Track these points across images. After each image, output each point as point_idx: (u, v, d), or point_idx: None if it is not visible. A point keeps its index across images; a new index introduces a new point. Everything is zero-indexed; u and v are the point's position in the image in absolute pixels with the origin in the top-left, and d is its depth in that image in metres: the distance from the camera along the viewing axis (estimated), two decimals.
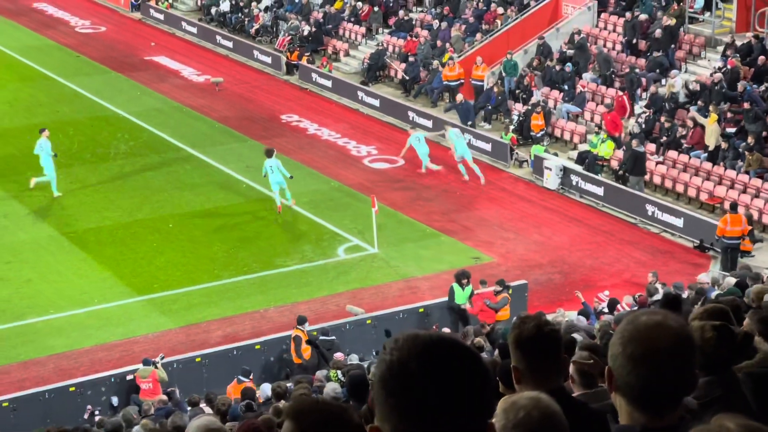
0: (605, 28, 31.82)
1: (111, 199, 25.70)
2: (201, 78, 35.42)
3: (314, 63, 35.47)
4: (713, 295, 13.86)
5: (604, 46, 30.92)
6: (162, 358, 17.51)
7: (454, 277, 19.80)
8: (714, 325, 3.99)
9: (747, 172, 24.27)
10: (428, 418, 2.24)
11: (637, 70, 28.83)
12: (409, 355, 2.26)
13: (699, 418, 2.64)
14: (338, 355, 17.05)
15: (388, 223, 24.09)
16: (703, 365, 3.70)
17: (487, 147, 28.50)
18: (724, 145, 25.15)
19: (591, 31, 31.64)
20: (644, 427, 2.80)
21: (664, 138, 26.35)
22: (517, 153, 28.14)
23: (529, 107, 29.12)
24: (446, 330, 18.43)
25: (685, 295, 16.77)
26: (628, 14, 30.86)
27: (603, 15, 32.10)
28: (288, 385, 14.32)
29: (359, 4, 37.24)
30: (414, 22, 35.47)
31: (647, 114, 27.33)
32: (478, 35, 32.84)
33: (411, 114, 30.77)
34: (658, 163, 25.86)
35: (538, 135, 28.43)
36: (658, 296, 16.97)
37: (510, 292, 19.54)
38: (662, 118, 26.72)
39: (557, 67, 30.37)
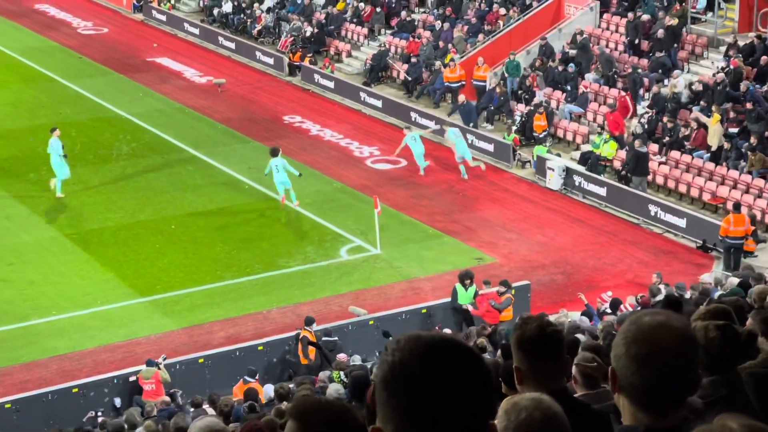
0: (607, 29, 31.81)
1: (113, 201, 25.71)
2: (203, 79, 35.45)
3: (316, 64, 35.48)
4: (716, 295, 13.85)
5: (607, 46, 30.91)
6: (164, 359, 17.52)
7: (458, 278, 19.80)
8: (717, 324, 3.98)
9: (750, 173, 24.24)
10: (430, 419, 2.24)
11: (639, 71, 28.82)
12: (410, 356, 2.26)
13: (703, 418, 2.63)
14: (341, 356, 17.05)
15: (391, 223, 24.09)
16: (707, 365, 3.70)
17: (490, 148, 28.49)
18: (726, 146, 25.14)
19: (593, 32, 31.63)
20: (648, 427, 2.80)
21: (667, 138, 26.33)
22: (519, 154, 28.13)
23: (532, 108, 29.11)
24: (448, 331, 18.41)
25: (687, 295, 16.76)
26: (630, 14, 30.84)
27: (605, 15, 32.09)
28: (290, 386, 14.32)
29: (361, 5, 37.25)
30: (416, 23, 35.47)
31: (650, 114, 27.32)
32: (481, 36, 32.84)
33: (413, 115, 30.78)
34: (660, 163, 25.84)
35: (541, 135, 28.42)
36: (661, 297, 16.95)
37: (513, 292, 19.54)
38: (665, 119, 26.71)
39: (560, 68, 30.37)
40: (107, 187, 26.46)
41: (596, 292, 20.13)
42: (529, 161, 27.76)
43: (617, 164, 26.50)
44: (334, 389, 12.60)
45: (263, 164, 26.14)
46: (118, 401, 17.29)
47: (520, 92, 30.55)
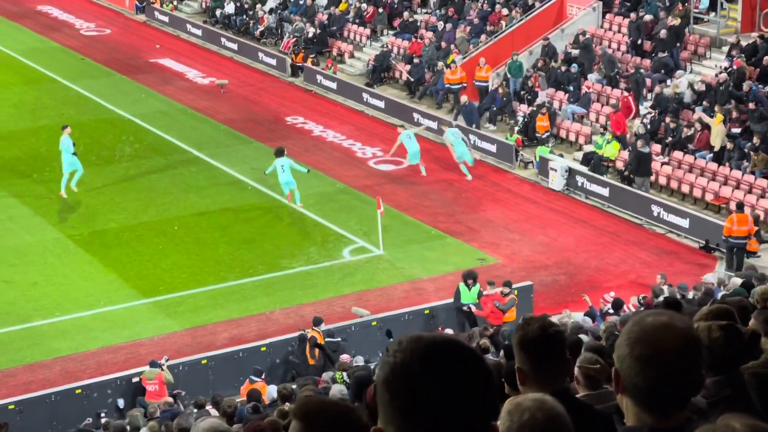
0: (610, 29, 31.79)
1: (116, 202, 25.73)
2: (206, 80, 35.46)
3: (319, 65, 35.49)
4: (719, 295, 13.84)
5: (609, 46, 30.90)
6: (167, 360, 17.53)
7: (462, 277, 19.82)
8: (721, 324, 3.98)
9: (752, 173, 24.23)
10: (432, 420, 2.24)
11: (642, 71, 28.80)
12: (412, 357, 2.26)
13: (706, 418, 2.63)
14: (344, 357, 17.05)
15: (394, 224, 24.09)
16: (710, 365, 3.69)
17: (492, 148, 28.49)
18: (729, 146, 25.12)
19: (596, 32, 31.62)
20: (651, 427, 2.80)
21: (670, 138, 26.32)
22: (522, 154, 28.13)
23: (534, 108, 29.10)
24: (450, 331, 18.43)
25: (690, 295, 16.76)
26: (632, 15, 30.83)
27: (608, 16, 32.07)
28: (293, 387, 14.32)
29: (364, 5, 37.26)
30: (419, 24, 35.47)
31: (652, 115, 27.31)
32: (483, 36, 32.83)
33: (416, 116, 30.79)
34: (663, 163, 25.83)
35: (543, 136, 28.41)
36: (664, 296, 16.94)
37: (516, 293, 19.54)
38: (667, 119, 26.69)
39: (562, 68, 30.36)
40: (110, 189, 26.47)
41: (599, 292, 20.12)
42: (532, 162, 27.75)
43: (620, 165, 26.49)
44: (337, 390, 12.59)
45: (266, 165, 26.15)
46: (121, 402, 17.31)
47: (522, 93, 30.54)
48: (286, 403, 12.77)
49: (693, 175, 25.17)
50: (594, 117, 28.89)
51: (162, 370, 17.22)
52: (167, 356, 17.85)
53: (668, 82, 28.16)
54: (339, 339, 18.45)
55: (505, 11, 33.37)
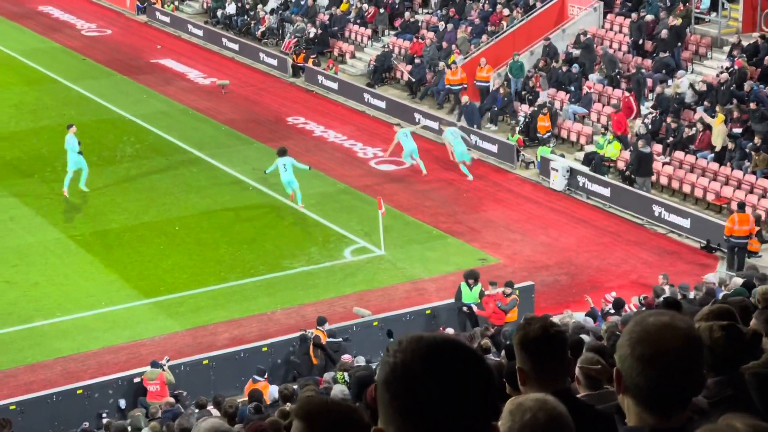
0: (611, 29, 31.79)
1: (117, 202, 25.74)
2: (207, 81, 35.47)
3: (320, 65, 35.50)
4: (720, 295, 13.84)
5: (610, 47, 30.90)
6: (167, 361, 17.54)
7: (463, 277, 19.83)
8: (722, 325, 3.98)
9: (754, 173, 24.22)
10: (432, 420, 2.24)
11: (643, 71, 28.79)
12: (412, 357, 2.26)
13: (708, 418, 2.63)
14: (346, 357, 17.06)
15: (395, 224, 24.10)
16: (711, 365, 3.69)
17: (494, 148, 28.50)
18: (730, 146, 25.11)
19: (597, 32, 31.62)
20: (653, 427, 2.80)
21: (671, 139, 26.31)
22: (523, 154, 28.13)
23: (536, 108, 29.10)
24: (451, 331, 18.44)
25: (691, 295, 16.75)
26: (634, 15, 30.82)
27: (609, 16, 32.07)
28: (295, 387, 14.32)
29: (365, 6, 37.27)
30: (420, 24, 35.47)
31: (654, 115, 27.30)
32: (484, 37, 32.83)
33: (417, 116, 30.79)
34: (664, 163, 25.82)
35: (545, 136, 28.41)
36: (665, 296, 16.93)
37: (517, 293, 19.54)
38: (668, 119, 26.69)
39: (563, 69, 30.36)
40: (111, 189, 26.48)
41: (600, 292, 20.12)
42: (533, 162, 27.75)
43: (621, 165, 26.48)
44: (339, 390, 12.58)
45: (267, 165, 26.17)
46: (122, 402, 17.32)
47: (523, 93, 30.54)
48: (288, 404, 12.77)
49: (694, 175, 25.16)
50: (595, 117, 28.88)
51: (163, 370, 17.23)
52: (168, 357, 17.86)
53: (669, 82, 28.14)
54: (341, 339, 18.45)
55: (506, 11, 33.37)
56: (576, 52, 30.84)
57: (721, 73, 27.10)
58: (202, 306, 20.96)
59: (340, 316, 20.02)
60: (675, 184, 25.40)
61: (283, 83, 35.41)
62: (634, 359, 2.75)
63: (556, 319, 15.09)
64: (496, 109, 30.43)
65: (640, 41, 30.11)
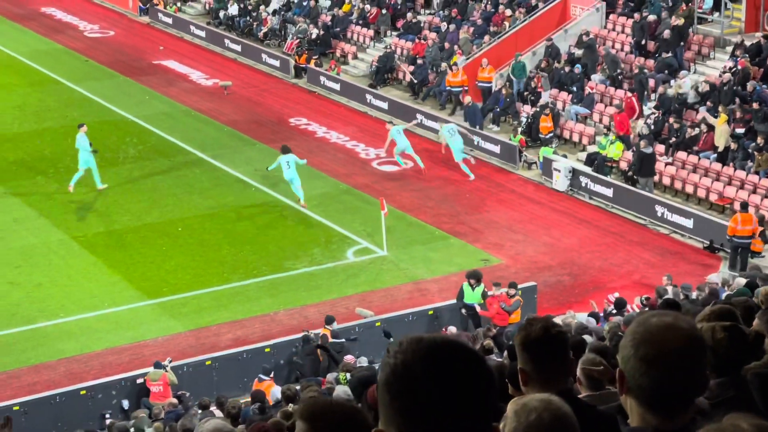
0: (613, 29, 31.77)
1: (120, 203, 25.76)
2: (209, 82, 35.49)
3: (322, 66, 35.51)
4: (723, 295, 13.83)
5: (613, 47, 30.88)
6: (170, 362, 17.55)
7: (466, 277, 19.83)
8: (725, 325, 3.98)
9: (757, 173, 24.20)
10: (432, 421, 2.24)
11: (645, 71, 28.78)
12: (413, 358, 2.26)
13: (710, 419, 2.64)
14: (348, 358, 17.07)
15: (397, 225, 24.10)
16: (714, 366, 3.69)
17: (496, 149, 28.49)
18: (733, 146, 25.09)
19: (599, 33, 31.60)
20: (656, 428, 2.80)
21: (674, 139, 26.29)
22: (525, 155, 28.13)
23: (538, 109, 29.10)
24: (452, 329, 18.46)
25: (693, 296, 16.74)
26: (636, 15, 30.80)
27: (611, 16, 32.06)
28: (297, 387, 14.33)
29: (367, 6, 37.27)
30: (422, 25, 35.47)
31: (656, 115, 27.28)
32: (486, 37, 32.83)
33: (420, 117, 30.80)
34: (667, 164, 25.81)
35: (547, 137, 28.40)
36: (668, 297, 16.93)
37: (520, 293, 19.54)
38: (671, 119, 26.67)
39: (566, 69, 30.34)
40: (114, 190, 26.50)
41: (603, 293, 20.11)
42: (536, 162, 27.75)
43: (623, 165, 26.47)
44: (342, 391, 12.58)
45: (269, 165, 26.18)
46: (126, 403, 17.33)
47: (526, 93, 30.53)
48: (290, 404, 12.78)
49: (697, 175, 25.15)
50: (597, 117, 28.87)
51: (166, 371, 17.23)
52: (170, 357, 17.88)
53: (672, 82, 28.13)
54: (343, 340, 18.46)
55: (508, 12, 33.36)
56: (578, 52, 30.83)
57: (724, 73, 27.08)
58: (204, 307, 20.98)
59: (342, 316, 20.01)
60: (678, 185, 25.39)
61: (285, 84, 35.43)
62: (637, 360, 2.75)
63: (558, 319, 15.09)
64: (498, 109, 30.42)
65: (643, 41, 30.09)
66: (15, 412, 16.41)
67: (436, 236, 23.98)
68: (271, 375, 17.16)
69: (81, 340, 19.75)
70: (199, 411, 15.10)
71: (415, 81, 32.89)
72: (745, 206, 22.32)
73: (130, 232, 24.20)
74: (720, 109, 25.74)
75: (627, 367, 2.79)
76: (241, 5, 40.53)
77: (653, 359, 2.73)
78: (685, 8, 30.03)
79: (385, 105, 32.19)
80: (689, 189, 25.10)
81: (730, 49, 28.58)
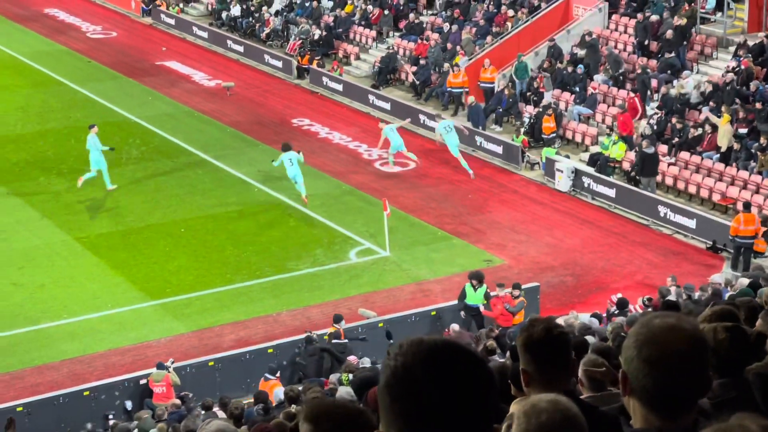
0: (616, 30, 31.75)
1: (123, 204, 25.78)
2: (212, 82, 35.51)
3: (325, 67, 35.52)
4: (726, 296, 13.82)
5: (615, 47, 30.87)
6: (172, 363, 17.56)
7: (468, 278, 19.83)
8: (726, 326, 3.98)
9: (760, 173, 24.18)
10: (433, 423, 2.24)
11: (648, 71, 28.76)
12: (413, 360, 2.27)
13: (711, 419, 2.64)
14: (351, 359, 17.08)
15: (400, 226, 24.10)
16: (716, 367, 3.69)
17: (499, 150, 28.49)
18: (736, 146, 25.07)
19: (602, 33, 31.59)
20: (659, 429, 2.80)
21: (676, 139, 26.28)
22: (528, 155, 28.12)
23: (540, 109, 29.09)
24: (455, 326, 18.47)
25: (696, 296, 16.73)
26: (639, 15, 30.78)
27: (614, 16, 32.04)
28: (300, 388, 14.33)
29: (369, 7, 37.27)
30: (424, 26, 35.47)
31: (659, 115, 27.27)
32: (489, 38, 32.82)
33: (422, 117, 30.81)
34: (670, 164, 25.79)
35: (550, 137, 28.40)
36: (671, 297, 16.93)
37: (523, 294, 19.54)
38: (674, 119, 26.65)
39: (568, 69, 30.33)
40: (117, 191, 26.50)
41: (606, 293, 20.10)
42: (538, 163, 27.74)
43: (626, 165, 26.46)
44: (345, 391, 12.59)
45: (272, 167, 26.20)
46: (129, 404, 17.35)
47: (528, 94, 30.52)
48: (293, 405, 12.79)
49: (700, 175, 25.13)
50: (600, 118, 28.85)
51: (169, 372, 17.24)
52: (173, 359, 17.88)
53: (674, 82, 28.11)
54: (346, 341, 18.47)
55: (510, 12, 33.36)
56: (581, 52, 30.81)
57: (727, 72, 27.06)
58: (207, 308, 20.99)
59: (345, 317, 20.01)
60: (680, 185, 25.37)
61: (288, 85, 35.44)
62: (640, 361, 2.75)
63: (561, 320, 15.08)
64: (500, 110, 30.42)
65: (645, 42, 30.07)
66: (18, 413, 16.44)
67: (439, 237, 23.98)
68: (278, 374, 17.18)
69: (84, 341, 19.77)
70: (202, 412, 15.11)
71: (417, 82, 32.89)
72: (747, 206, 22.30)
73: (133, 233, 24.22)
74: (723, 109, 25.72)
75: (630, 369, 2.79)
76: (244, 6, 40.55)
77: (656, 360, 2.73)
78: (687, 8, 30.01)
79: (387, 106, 32.19)
80: (692, 189, 25.08)
81: (732, 49, 28.56)
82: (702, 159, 25.40)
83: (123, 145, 29.83)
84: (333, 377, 15.50)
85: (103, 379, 17.99)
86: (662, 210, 24.26)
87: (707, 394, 3.26)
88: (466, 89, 31.20)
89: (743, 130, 25.31)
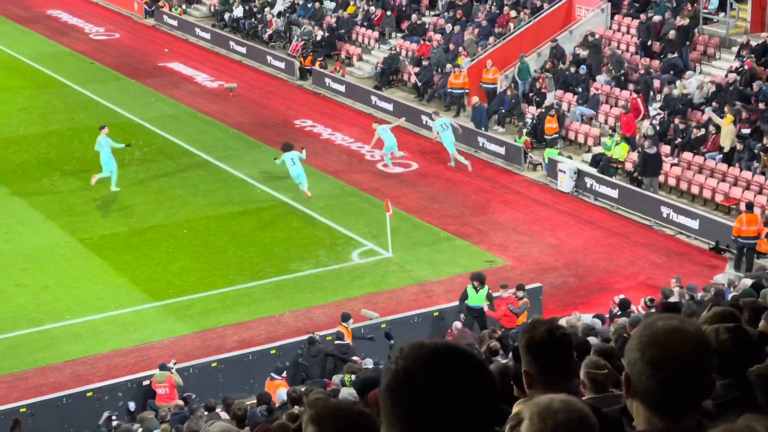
0: (618, 30, 31.74)
1: (126, 205, 25.80)
2: (215, 84, 35.53)
3: (327, 68, 35.53)
4: (729, 296, 13.81)
5: (618, 48, 30.85)
6: (174, 364, 17.57)
7: (470, 279, 19.83)
8: (728, 327, 3.98)
9: (763, 173, 24.16)
10: (434, 427, 2.25)
11: (651, 72, 28.74)
12: (414, 363, 2.27)
13: (714, 420, 2.64)
14: (354, 359, 17.08)
15: (402, 227, 24.10)
16: (718, 368, 3.69)
17: (501, 150, 28.49)
18: (739, 147, 25.05)
19: (604, 33, 31.57)
20: (662, 431, 2.80)
21: (679, 140, 26.26)
22: (531, 156, 28.11)
23: (543, 110, 29.08)
24: (458, 324, 18.46)
25: (699, 297, 16.72)
26: (642, 16, 30.77)
27: (616, 17, 32.02)
28: (303, 389, 14.34)
29: (372, 8, 37.28)
30: (427, 26, 35.48)
31: (662, 116, 27.25)
32: (491, 39, 32.82)
33: (424, 118, 30.81)
34: (672, 164, 25.78)
35: (552, 138, 28.38)
36: (674, 298, 16.93)
37: (526, 295, 19.52)
38: (676, 120, 26.64)
39: (571, 70, 30.32)
40: (119, 192, 26.53)
41: (608, 294, 20.09)
42: (541, 164, 27.73)
43: (629, 166, 26.44)
44: (347, 392, 12.59)
45: (275, 168, 26.21)
46: (132, 405, 17.36)
47: (531, 95, 30.52)
48: (296, 407, 12.79)
49: (703, 176, 25.11)
50: (603, 118, 28.84)
51: (171, 373, 17.25)
52: (175, 360, 17.89)
53: (677, 83, 28.09)
54: (348, 342, 18.48)
55: (513, 13, 33.35)
56: (583, 53, 30.80)
57: (730, 73, 27.04)
58: (210, 309, 21.00)
59: None
60: (683, 185, 25.35)
61: (290, 86, 35.45)
62: (643, 363, 2.75)
63: (563, 321, 15.09)
64: (503, 111, 30.42)
65: (648, 42, 30.06)
66: (22, 414, 16.45)
67: (441, 238, 23.98)
68: (284, 375, 17.19)
69: (87, 342, 19.78)
70: (205, 413, 15.12)
71: (420, 83, 32.89)
72: (750, 207, 22.28)
73: (136, 234, 24.23)
74: (726, 109, 25.70)
75: (633, 371, 2.79)
76: (246, 7, 40.57)
77: (659, 363, 2.73)
78: (690, 8, 29.99)
79: (390, 106, 32.19)
80: (695, 190, 25.06)
81: (735, 49, 28.54)
82: (705, 159, 25.38)
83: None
84: (336, 378, 15.51)
85: (106, 380, 18.00)
86: (665, 210, 24.24)
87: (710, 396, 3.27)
88: (467, 90, 31.20)
89: (746, 131, 25.29)
